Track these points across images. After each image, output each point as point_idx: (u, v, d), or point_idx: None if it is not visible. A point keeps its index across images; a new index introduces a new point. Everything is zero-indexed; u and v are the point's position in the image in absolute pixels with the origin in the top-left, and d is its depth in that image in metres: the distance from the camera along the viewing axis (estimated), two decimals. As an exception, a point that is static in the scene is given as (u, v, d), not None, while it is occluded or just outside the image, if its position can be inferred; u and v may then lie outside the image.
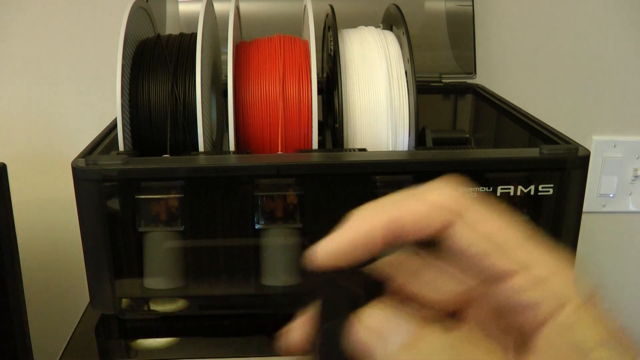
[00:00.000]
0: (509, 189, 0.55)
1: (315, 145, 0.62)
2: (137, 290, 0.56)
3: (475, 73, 0.89)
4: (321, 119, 0.72)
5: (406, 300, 0.29)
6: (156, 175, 0.53)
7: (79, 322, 0.59)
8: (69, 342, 0.56)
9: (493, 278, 0.26)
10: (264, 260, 0.56)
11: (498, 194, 0.55)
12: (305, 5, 0.69)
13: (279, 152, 0.62)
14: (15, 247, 0.64)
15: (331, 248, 0.29)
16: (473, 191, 0.55)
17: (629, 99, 1.00)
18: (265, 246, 0.55)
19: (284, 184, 0.54)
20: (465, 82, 0.88)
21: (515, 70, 0.98)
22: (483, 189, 0.54)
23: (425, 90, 0.85)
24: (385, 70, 0.64)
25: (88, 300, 0.58)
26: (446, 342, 0.25)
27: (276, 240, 0.55)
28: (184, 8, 0.87)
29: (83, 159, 0.53)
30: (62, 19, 0.91)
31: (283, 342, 0.32)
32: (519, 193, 0.55)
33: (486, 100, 0.80)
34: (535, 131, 0.64)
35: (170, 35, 0.66)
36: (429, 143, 0.71)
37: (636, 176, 0.99)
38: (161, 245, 0.55)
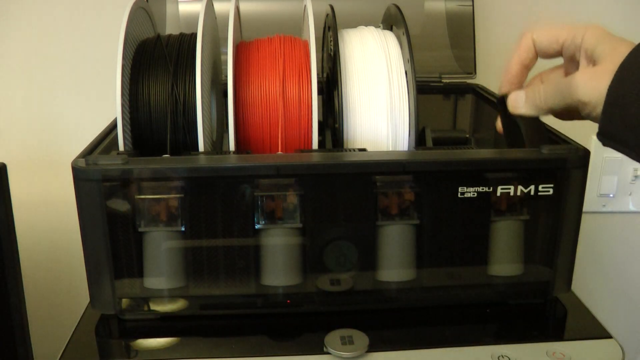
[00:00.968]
0: (509, 189, 0.55)
1: (315, 145, 0.62)
2: (137, 290, 0.56)
3: (475, 73, 0.89)
4: (321, 119, 0.72)
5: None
6: (156, 175, 0.53)
7: (79, 322, 0.59)
8: (69, 342, 0.56)
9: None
10: (264, 260, 0.56)
11: (498, 194, 0.55)
12: (305, 5, 0.69)
13: (279, 152, 0.62)
14: (15, 247, 0.64)
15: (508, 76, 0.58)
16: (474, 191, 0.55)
17: (629, 99, 1.00)
18: (265, 246, 0.55)
19: (284, 184, 0.54)
20: (465, 82, 0.88)
21: (515, 70, 0.98)
22: (483, 189, 0.54)
23: (425, 90, 0.85)
24: (385, 70, 0.64)
25: (88, 300, 0.58)
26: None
27: (276, 240, 0.55)
28: (184, 8, 0.87)
29: (83, 159, 0.53)
30: (62, 19, 0.91)
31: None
32: (519, 193, 0.55)
33: (486, 100, 0.80)
34: (535, 131, 0.64)
35: (170, 35, 0.66)
36: (429, 143, 0.71)
37: (636, 176, 0.99)
38: (161, 245, 0.55)
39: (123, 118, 0.58)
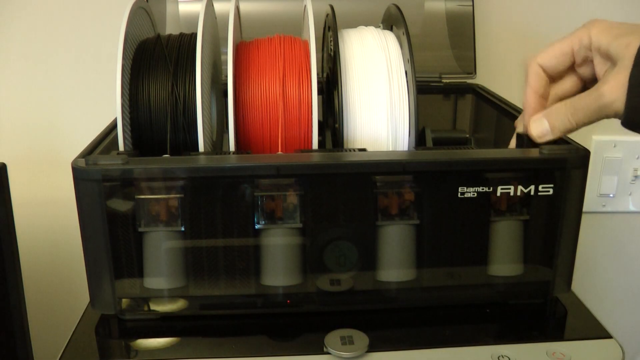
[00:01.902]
0: (509, 189, 0.55)
1: (315, 145, 0.62)
2: (137, 290, 0.56)
3: (475, 73, 0.89)
4: (321, 119, 0.73)
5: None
6: (156, 175, 0.53)
7: (79, 322, 0.59)
8: (69, 342, 0.56)
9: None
10: (264, 260, 0.56)
11: (498, 194, 0.55)
12: (305, 5, 0.69)
13: (279, 152, 0.62)
14: (15, 247, 0.64)
15: (529, 111, 0.56)
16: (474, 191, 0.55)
17: (629, 99, 1.00)
18: (265, 246, 0.55)
19: (284, 184, 0.54)
20: (465, 82, 0.88)
21: (515, 70, 0.98)
22: (483, 189, 0.54)
23: (425, 90, 0.85)
24: (385, 70, 0.64)
25: (88, 300, 0.58)
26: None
27: (276, 240, 0.55)
28: (184, 8, 0.87)
29: (83, 159, 0.53)
30: (62, 19, 0.91)
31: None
32: (519, 193, 0.55)
33: (486, 100, 0.80)
34: (535, 131, 0.64)
35: (170, 35, 0.66)
36: (429, 143, 0.71)
37: (636, 176, 1.00)
38: (161, 245, 0.55)
39: (123, 118, 0.58)
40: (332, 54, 0.68)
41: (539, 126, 0.53)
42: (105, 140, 0.61)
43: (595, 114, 0.49)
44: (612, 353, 0.55)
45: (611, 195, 1.01)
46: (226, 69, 0.60)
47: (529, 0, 0.95)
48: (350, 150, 0.61)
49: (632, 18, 0.96)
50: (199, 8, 0.61)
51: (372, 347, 0.53)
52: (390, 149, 0.63)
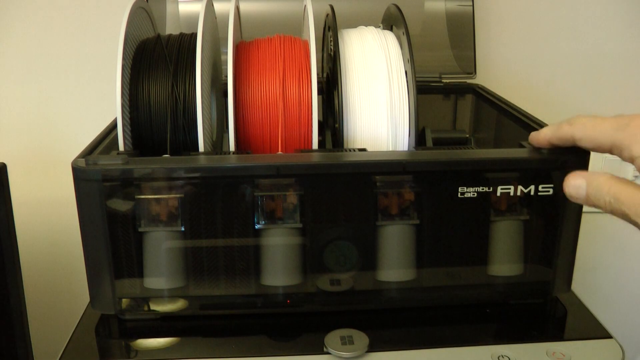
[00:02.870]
0: (509, 189, 0.55)
1: (315, 145, 0.62)
2: (137, 290, 0.56)
3: (475, 73, 0.89)
4: (321, 119, 0.72)
5: None
6: (156, 175, 0.53)
7: (79, 322, 0.59)
8: (69, 342, 0.56)
9: None
10: (264, 260, 0.56)
11: (498, 194, 0.55)
12: (305, 5, 0.69)
13: (279, 152, 0.62)
14: (15, 247, 0.64)
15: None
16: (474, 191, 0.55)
17: (629, 99, 1.00)
18: (265, 246, 0.55)
19: (284, 184, 0.54)
20: (465, 82, 0.88)
21: (515, 70, 0.98)
22: (483, 189, 0.54)
23: (425, 90, 0.85)
24: (385, 70, 0.64)
25: (88, 300, 0.58)
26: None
27: (276, 240, 0.55)
28: (184, 8, 0.87)
29: (83, 159, 0.53)
30: (62, 19, 0.91)
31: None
32: (519, 193, 0.55)
33: (486, 100, 0.80)
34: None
35: (170, 35, 0.66)
36: (429, 143, 0.71)
37: (636, 176, 0.99)
38: (161, 245, 0.55)
39: (123, 118, 0.58)
40: (332, 54, 0.68)
41: (576, 189, 0.47)
42: (105, 140, 0.61)
43: (634, 218, 0.45)
44: (612, 353, 0.55)
45: (611, 195, 1.00)
46: (226, 69, 0.60)
47: (529, 0, 0.95)
48: (350, 150, 0.61)
49: (632, 18, 0.96)
50: (199, 8, 0.61)
51: (372, 347, 0.53)
52: (390, 149, 0.63)
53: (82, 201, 0.53)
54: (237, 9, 0.73)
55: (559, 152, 0.55)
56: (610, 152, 0.46)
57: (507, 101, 0.75)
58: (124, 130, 0.58)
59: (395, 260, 0.57)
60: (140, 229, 0.54)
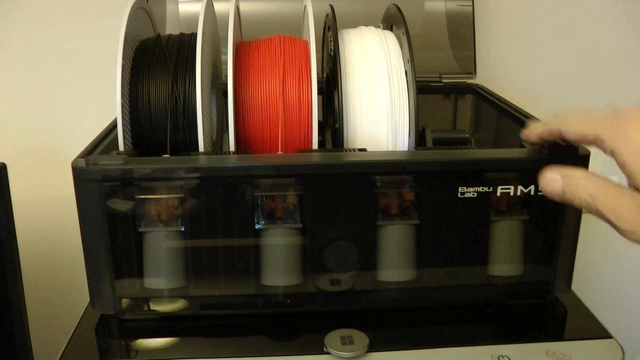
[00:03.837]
0: (509, 189, 0.55)
1: (315, 145, 0.62)
2: (137, 290, 0.56)
3: (475, 73, 0.89)
4: (321, 119, 0.72)
5: None
6: (156, 175, 0.53)
7: (79, 322, 0.59)
8: (69, 342, 0.56)
9: None
10: (264, 260, 0.56)
11: (498, 194, 0.55)
12: (305, 5, 0.69)
13: (279, 152, 0.62)
14: (15, 247, 0.64)
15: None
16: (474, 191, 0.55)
17: (629, 99, 1.00)
18: (265, 246, 0.55)
19: (284, 184, 0.54)
20: (465, 82, 0.88)
21: (515, 70, 0.98)
22: (483, 189, 0.54)
23: (425, 90, 0.85)
24: (385, 70, 0.64)
25: (88, 300, 0.58)
26: None
27: (276, 240, 0.55)
28: (184, 8, 0.87)
29: (83, 159, 0.53)
30: (62, 19, 0.91)
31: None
32: (519, 193, 0.55)
33: (486, 100, 0.80)
34: (535, 131, 0.64)
35: (170, 35, 0.66)
36: (429, 143, 0.71)
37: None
38: (161, 245, 0.55)
39: (123, 118, 0.58)
40: (332, 54, 0.68)
41: (552, 183, 0.46)
42: (105, 140, 0.61)
43: (611, 218, 0.42)
44: (612, 353, 0.55)
45: (611, 195, 1.00)
46: (226, 69, 0.60)
47: (529, 0, 0.95)
48: (350, 150, 0.61)
49: (632, 18, 0.96)
50: (199, 8, 0.61)
51: (372, 347, 0.53)
52: (390, 149, 0.63)
53: (82, 201, 0.53)
54: (237, 9, 0.73)
55: (559, 152, 0.55)
56: (594, 144, 0.46)
57: (507, 101, 0.75)
58: (124, 130, 0.58)
59: (395, 260, 0.57)
60: (140, 229, 0.54)
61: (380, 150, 0.63)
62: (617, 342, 0.56)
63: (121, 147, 0.59)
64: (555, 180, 0.46)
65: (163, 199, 0.54)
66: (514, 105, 0.73)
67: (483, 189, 0.55)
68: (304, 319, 0.58)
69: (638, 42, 0.97)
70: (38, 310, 0.86)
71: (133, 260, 0.55)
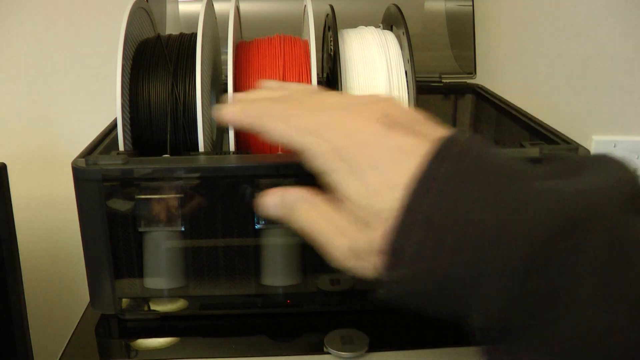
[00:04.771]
0: (509, 189, 0.55)
1: (315, 145, 0.61)
2: (137, 290, 0.56)
3: (475, 73, 0.89)
4: (321, 119, 0.72)
5: None
6: (156, 175, 0.53)
7: (79, 322, 0.59)
8: (69, 342, 0.56)
9: None
10: (264, 260, 0.56)
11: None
12: (305, 5, 0.69)
13: (279, 152, 0.62)
14: (15, 247, 0.64)
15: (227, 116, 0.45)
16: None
17: (629, 99, 1.00)
18: (265, 246, 0.55)
19: (284, 184, 0.54)
20: (465, 82, 0.88)
21: (515, 70, 0.98)
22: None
23: (425, 90, 0.85)
24: (385, 70, 0.64)
25: (88, 300, 0.58)
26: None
27: (276, 240, 0.55)
28: (184, 8, 0.87)
29: (83, 159, 0.53)
30: (62, 19, 0.91)
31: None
32: (519, 193, 0.55)
33: (486, 100, 0.80)
34: (535, 131, 0.64)
35: (170, 35, 0.66)
36: (429, 143, 0.71)
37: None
38: (161, 245, 0.55)
39: (123, 118, 0.58)
40: (332, 54, 0.68)
41: (275, 211, 0.42)
42: (105, 140, 0.61)
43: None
44: (612, 353, 0.55)
45: (611, 195, 1.00)
46: (226, 69, 0.60)
47: (529, 0, 0.95)
48: (350, 150, 0.60)
49: (632, 18, 0.96)
50: (199, 8, 0.61)
51: (372, 347, 0.53)
52: (390, 149, 0.63)
53: (82, 201, 0.53)
54: (237, 9, 0.73)
55: (559, 151, 0.55)
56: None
57: (507, 101, 0.75)
58: (124, 130, 0.58)
59: (395, 260, 0.57)
60: (140, 229, 0.54)
61: (380, 150, 0.62)
62: (617, 342, 0.56)
63: (121, 147, 0.59)
64: (274, 205, 0.41)
65: (163, 199, 0.54)
66: (514, 105, 0.73)
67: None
68: (304, 319, 0.58)
69: (638, 42, 0.97)
70: (38, 310, 0.86)
71: (133, 260, 0.55)
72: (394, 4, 0.70)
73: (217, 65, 0.73)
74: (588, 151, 0.57)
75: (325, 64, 0.76)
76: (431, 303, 0.37)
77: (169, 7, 0.87)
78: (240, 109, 0.44)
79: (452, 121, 0.89)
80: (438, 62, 0.89)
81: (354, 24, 0.72)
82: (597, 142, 0.99)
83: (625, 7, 0.96)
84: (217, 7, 0.71)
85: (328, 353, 0.53)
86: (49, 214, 0.96)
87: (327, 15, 0.71)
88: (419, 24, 0.89)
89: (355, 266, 0.38)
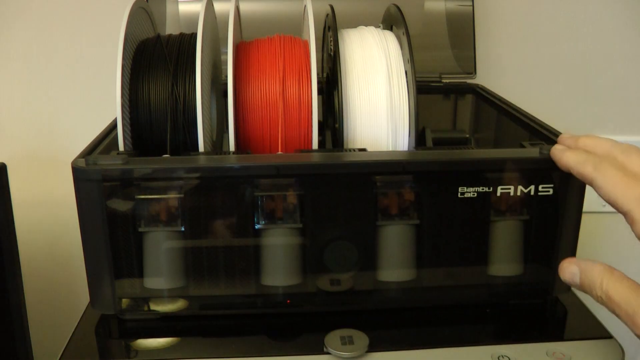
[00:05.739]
0: (509, 189, 0.55)
1: (315, 145, 0.62)
2: (137, 290, 0.56)
3: (475, 73, 0.89)
4: (321, 119, 0.73)
5: None
6: (156, 175, 0.53)
7: (79, 322, 0.59)
8: (69, 342, 0.56)
9: None
10: (264, 260, 0.56)
11: (498, 194, 0.55)
12: (305, 5, 0.69)
13: (279, 152, 0.62)
14: (15, 247, 0.64)
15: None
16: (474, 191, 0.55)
17: (629, 99, 1.00)
18: (265, 246, 0.55)
19: (284, 184, 0.54)
20: (465, 82, 0.88)
21: (515, 70, 0.98)
22: (483, 189, 0.54)
23: (425, 90, 0.85)
24: (385, 70, 0.64)
25: (88, 300, 0.58)
26: None
27: (276, 240, 0.55)
28: (184, 8, 0.87)
29: (83, 159, 0.53)
30: (62, 19, 0.91)
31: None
32: (519, 193, 0.55)
33: (486, 100, 0.80)
34: (535, 131, 0.64)
35: (170, 35, 0.66)
36: (429, 143, 0.71)
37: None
38: (161, 245, 0.55)
39: (123, 118, 0.58)
40: (332, 54, 0.68)
41: (571, 276, 0.47)
42: (105, 140, 0.61)
43: (623, 318, 0.42)
44: (612, 353, 0.55)
45: (611, 195, 1.00)
46: (226, 69, 0.60)
47: (528, 0, 0.95)
48: (350, 150, 0.61)
49: (632, 18, 0.96)
50: (199, 8, 0.61)
51: (372, 347, 0.53)
52: (390, 149, 0.63)
53: (82, 201, 0.53)
54: (237, 9, 0.73)
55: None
56: (623, 215, 0.47)
57: (507, 101, 0.75)
58: (124, 130, 0.58)
59: (395, 260, 0.57)
60: (140, 229, 0.54)
61: (380, 150, 0.63)
62: (617, 342, 0.56)
63: (121, 147, 0.59)
64: (573, 273, 0.46)
65: (163, 199, 0.54)
66: (514, 105, 0.73)
67: (483, 189, 0.55)
68: (304, 319, 0.58)
69: (638, 42, 0.97)
70: (38, 310, 0.86)
71: (133, 260, 0.55)
72: (394, 4, 0.70)
73: (217, 65, 0.73)
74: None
75: (325, 64, 0.76)
76: None
77: (169, 7, 0.87)
78: (583, 160, 0.50)
79: (452, 121, 0.89)
80: (438, 62, 0.89)
81: (354, 24, 0.72)
82: (597, 142, 0.99)
83: (625, 7, 0.96)
84: (217, 7, 0.71)
85: (328, 353, 0.53)
86: (49, 214, 0.96)
87: (327, 15, 0.71)
88: (419, 24, 0.89)
89: None
